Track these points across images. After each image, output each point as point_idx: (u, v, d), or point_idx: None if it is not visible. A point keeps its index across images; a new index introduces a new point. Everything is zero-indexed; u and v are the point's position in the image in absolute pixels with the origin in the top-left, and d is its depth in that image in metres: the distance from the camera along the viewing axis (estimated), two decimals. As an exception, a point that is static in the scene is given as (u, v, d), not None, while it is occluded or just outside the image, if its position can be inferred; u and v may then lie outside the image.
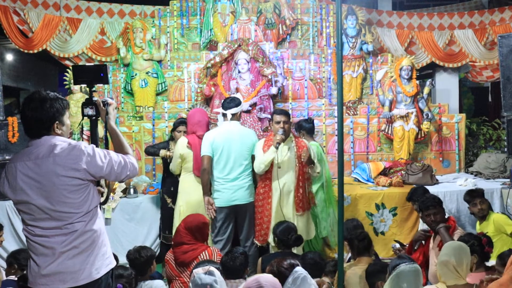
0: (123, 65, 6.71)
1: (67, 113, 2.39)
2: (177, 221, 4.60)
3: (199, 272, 2.92)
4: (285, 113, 4.44)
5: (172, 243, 3.87)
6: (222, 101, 4.81)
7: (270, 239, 4.33)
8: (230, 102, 4.57)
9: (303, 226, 4.40)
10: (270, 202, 4.38)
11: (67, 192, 2.26)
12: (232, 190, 4.39)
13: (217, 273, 2.89)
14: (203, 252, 3.64)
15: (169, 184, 4.97)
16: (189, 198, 4.58)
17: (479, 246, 3.25)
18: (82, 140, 4.07)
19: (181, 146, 4.62)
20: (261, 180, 4.46)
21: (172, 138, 5.09)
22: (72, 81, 6.22)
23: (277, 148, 4.24)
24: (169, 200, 4.95)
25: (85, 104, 2.60)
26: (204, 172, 4.42)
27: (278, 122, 4.34)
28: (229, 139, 4.42)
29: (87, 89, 2.65)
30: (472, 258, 3.12)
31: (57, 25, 6.82)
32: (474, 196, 4.53)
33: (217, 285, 2.76)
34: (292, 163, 4.39)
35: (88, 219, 2.33)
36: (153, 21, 6.87)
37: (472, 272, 3.07)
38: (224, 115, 4.59)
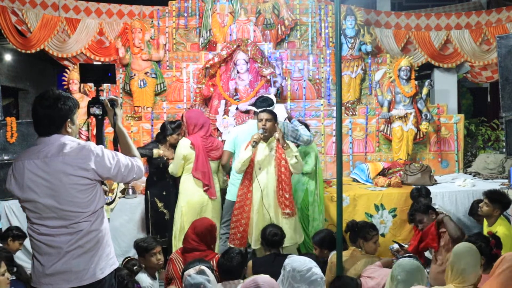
0: (121, 65, 6.70)
1: (77, 112, 2.40)
2: (178, 222, 4.59)
3: (190, 272, 2.91)
4: (268, 112, 4.27)
5: (182, 247, 3.82)
6: (255, 99, 4.91)
7: (252, 242, 4.15)
8: (263, 102, 4.62)
9: (291, 230, 4.14)
10: (249, 204, 4.18)
11: (75, 191, 2.26)
12: None
13: (209, 271, 2.88)
14: (212, 260, 3.56)
15: (160, 188, 4.89)
16: (191, 199, 4.56)
17: (488, 248, 3.18)
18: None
19: (184, 147, 4.57)
20: (241, 181, 4.28)
21: (160, 142, 4.97)
22: (70, 80, 6.30)
23: (253, 146, 4.10)
24: (160, 205, 4.89)
25: (91, 103, 2.59)
26: (224, 168, 4.72)
27: (260, 120, 4.22)
28: (249, 136, 4.28)
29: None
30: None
31: (55, 25, 6.80)
32: (484, 194, 4.42)
33: (210, 284, 2.75)
34: (272, 164, 4.20)
35: (94, 219, 2.33)
36: (152, 21, 6.87)
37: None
38: (255, 113, 4.62)
